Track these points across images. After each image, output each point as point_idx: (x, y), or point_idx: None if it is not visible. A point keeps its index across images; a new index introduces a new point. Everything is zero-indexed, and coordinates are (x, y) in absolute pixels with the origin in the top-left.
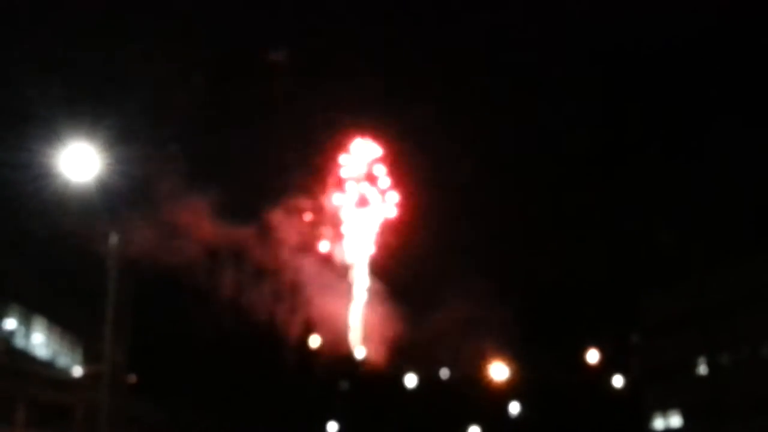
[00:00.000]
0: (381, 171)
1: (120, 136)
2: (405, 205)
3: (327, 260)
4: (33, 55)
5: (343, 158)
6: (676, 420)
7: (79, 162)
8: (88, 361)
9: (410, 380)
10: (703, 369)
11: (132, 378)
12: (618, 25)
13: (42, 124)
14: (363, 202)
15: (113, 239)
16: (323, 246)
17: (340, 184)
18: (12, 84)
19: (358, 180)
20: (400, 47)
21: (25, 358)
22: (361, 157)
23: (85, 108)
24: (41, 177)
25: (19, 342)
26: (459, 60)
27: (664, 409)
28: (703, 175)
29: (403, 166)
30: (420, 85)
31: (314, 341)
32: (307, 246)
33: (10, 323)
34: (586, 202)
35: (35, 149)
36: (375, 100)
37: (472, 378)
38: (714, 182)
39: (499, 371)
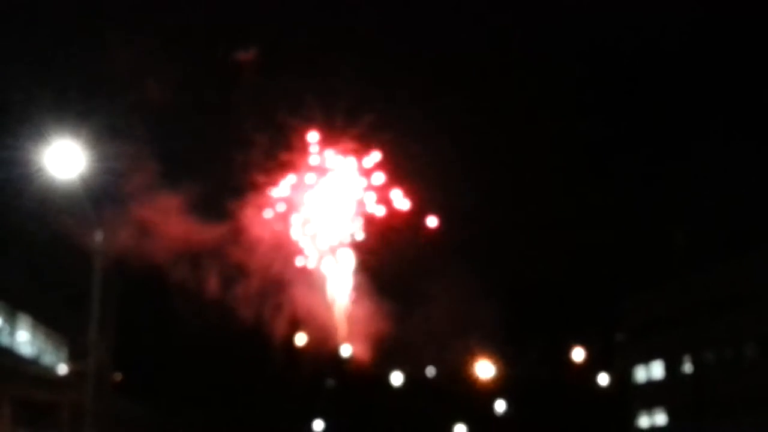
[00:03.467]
0: (361, 167)
1: (105, 134)
2: (389, 202)
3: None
4: (17, 53)
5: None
6: (661, 418)
7: (64, 159)
8: (73, 359)
9: (396, 378)
10: (687, 368)
11: (117, 376)
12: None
13: (27, 122)
14: (344, 195)
15: (99, 237)
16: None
17: (317, 179)
18: None
19: (335, 173)
20: (377, 40)
21: (9, 355)
22: (339, 151)
23: (69, 105)
24: (26, 174)
25: (3, 340)
26: (442, 56)
27: (650, 407)
28: (689, 175)
29: (388, 162)
30: (401, 81)
31: (300, 339)
32: (290, 244)
33: None
34: (573, 202)
35: (20, 146)
36: (352, 94)
37: (458, 376)
38: (700, 184)
39: (485, 369)
